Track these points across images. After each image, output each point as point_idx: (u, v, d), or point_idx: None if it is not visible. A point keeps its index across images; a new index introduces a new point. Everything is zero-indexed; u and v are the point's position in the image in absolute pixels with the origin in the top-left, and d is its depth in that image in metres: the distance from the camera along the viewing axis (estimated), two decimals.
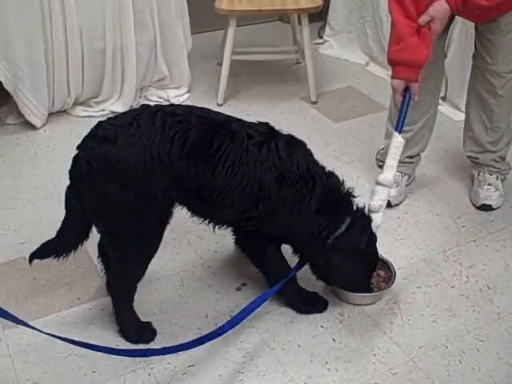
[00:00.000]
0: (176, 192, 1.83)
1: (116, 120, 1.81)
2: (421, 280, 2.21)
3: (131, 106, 3.14)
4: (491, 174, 2.59)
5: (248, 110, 3.32)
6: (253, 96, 3.48)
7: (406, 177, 2.65)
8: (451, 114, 3.28)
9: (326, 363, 1.90)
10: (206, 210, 1.92)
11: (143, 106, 1.90)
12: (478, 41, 2.42)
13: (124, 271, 1.89)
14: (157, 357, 1.88)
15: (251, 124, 1.90)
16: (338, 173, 2.73)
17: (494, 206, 2.55)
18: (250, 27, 4.04)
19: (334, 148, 3.01)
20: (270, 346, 1.95)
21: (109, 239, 1.89)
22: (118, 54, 3.15)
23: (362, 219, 1.96)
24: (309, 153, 1.96)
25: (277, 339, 1.97)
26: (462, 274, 2.24)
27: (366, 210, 2.01)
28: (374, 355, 1.93)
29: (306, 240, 1.91)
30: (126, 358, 1.88)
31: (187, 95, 3.42)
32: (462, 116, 3.23)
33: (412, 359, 1.91)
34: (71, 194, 1.84)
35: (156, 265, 2.20)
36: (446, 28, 2.38)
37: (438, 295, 2.15)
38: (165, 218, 1.85)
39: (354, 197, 1.98)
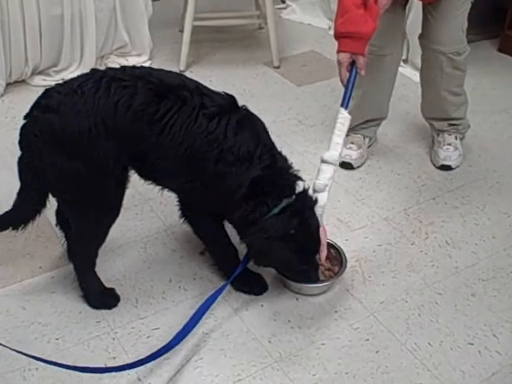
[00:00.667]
0: (127, 157, 1.80)
1: (62, 87, 1.77)
2: (382, 238, 2.25)
3: None
4: (450, 135, 2.62)
5: (211, 75, 3.30)
6: (216, 62, 3.46)
7: (368, 139, 2.67)
8: (413, 75, 3.30)
9: (289, 321, 1.93)
10: (152, 175, 1.90)
11: (92, 70, 1.84)
12: (424, 20, 2.41)
13: (84, 237, 1.89)
14: (120, 321, 1.90)
15: (211, 93, 1.83)
16: (300, 136, 2.81)
17: (453, 166, 2.58)
18: None
19: (297, 112, 3.01)
20: (234, 307, 1.97)
21: (66, 207, 1.89)
22: (77, 21, 3.10)
23: (301, 203, 1.84)
24: (260, 132, 1.85)
25: (240, 300, 1.99)
26: (421, 231, 2.28)
27: (311, 191, 1.92)
28: (336, 312, 1.96)
29: (236, 222, 1.88)
30: (90, 323, 1.90)
31: (149, 62, 3.38)
32: None
33: (373, 314, 1.95)
34: (23, 166, 1.82)
35: (119, 231, 2.21)
36: (403, 8, 2.38)
37: (399, 252, 2.19)
38: (120, 184, 1.83)
39: (298, 178, 1.87)
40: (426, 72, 2.53)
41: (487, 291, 2.03)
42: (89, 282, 1.95)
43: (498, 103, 3.07)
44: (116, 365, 1.74)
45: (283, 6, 4.08)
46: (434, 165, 2.61)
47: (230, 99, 1.85)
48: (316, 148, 2.71)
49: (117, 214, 1.88)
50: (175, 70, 3.26)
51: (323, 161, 2.01)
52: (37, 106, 1.76)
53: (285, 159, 1.88)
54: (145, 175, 1.92)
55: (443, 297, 2.01)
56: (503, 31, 3.57)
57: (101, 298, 1.96)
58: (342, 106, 2.12)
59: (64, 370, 1.67)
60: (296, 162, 1.92)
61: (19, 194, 1.89)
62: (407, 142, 2.78)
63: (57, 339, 1.85)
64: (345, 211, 2.35)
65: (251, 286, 2.02)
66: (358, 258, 2.16)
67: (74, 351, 1.81)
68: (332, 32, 3.76)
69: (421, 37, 2.46)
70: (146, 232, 2.26)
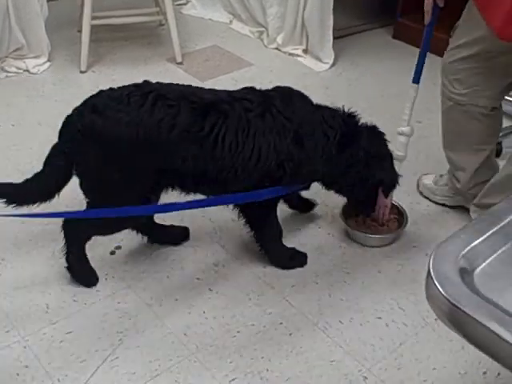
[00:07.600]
0: (171, 177, 1.85)
1: (113, 92, 1.82)
2: (290, 224, 2.30)
3: None
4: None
5: (114, 74, 3.27)
6: (118, 61, 3.42)
7: None
8: (313, 65, 3.39)
9: (204, 312, 1.95)
10: (217, 189, 1.92)
11: (144, 82, 1.85)
12: None
13: None
14: (31, 328, 1.86)
15: (241, 96, 1.87)
16: None
17: None
18: None
19: None
20: (148, 303, 1.96)
21: (91, 200, 1.91)
22: None
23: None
24: (304, 99, 1.96)
25: (154, 296, 1.99)
26: (328, 215, 2.35)
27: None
28: (250, 299, 2.00)
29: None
30: None
31: (48, 64, 3.31)
32: (323, 67, 3.37)
33: (285, 298, 2.00)
34: (57, 152, 1.85)
35: (26, 238, 2.18)
36: None
37: (308, 236, 2.25)
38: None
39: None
40: None
41: (392, 267, 2.13)
42: None
43: (393, 87, 3.19)
44: None
45: (183, 1, 4.07)
46: None
47: (255, 91, 1.91)
48: None
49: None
50: (76, 70, 3.25)
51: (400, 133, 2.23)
52: (86, 103, 1.81)
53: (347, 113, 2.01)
54: (204, 191, 1.95)
55: (351, 275, 2.09)
56: (396, 19, 3.72)
57: None
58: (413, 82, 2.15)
59: None
60: None
61: (37, 175, 1.87)
62: None
63: None
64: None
65: (296, 259, 2.12)
66: None
67: None
68: (233, 26, 3.87)
69: None
70: (54, 236, 2.20)
